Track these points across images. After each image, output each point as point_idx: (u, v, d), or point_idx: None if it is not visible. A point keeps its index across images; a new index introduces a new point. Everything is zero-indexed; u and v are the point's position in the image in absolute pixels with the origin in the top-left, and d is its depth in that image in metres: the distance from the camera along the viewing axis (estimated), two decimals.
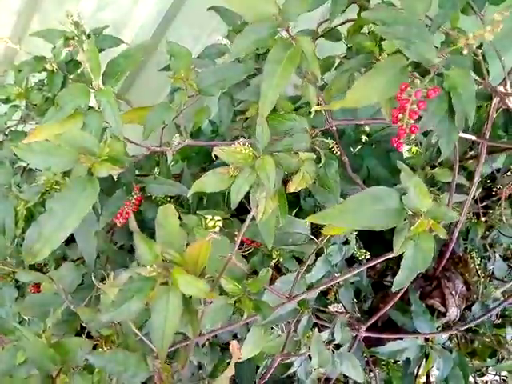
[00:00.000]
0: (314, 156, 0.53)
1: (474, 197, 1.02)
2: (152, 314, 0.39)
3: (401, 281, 0.47)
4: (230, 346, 0.48)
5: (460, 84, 0.44)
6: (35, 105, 0.85)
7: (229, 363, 0.71)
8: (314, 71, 0.50)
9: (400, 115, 0.43)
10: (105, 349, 0.50)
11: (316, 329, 0.57)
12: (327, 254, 0.61)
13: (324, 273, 0.62)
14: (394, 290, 0.48)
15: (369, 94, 0.44)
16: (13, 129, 0.88)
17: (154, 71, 1.03)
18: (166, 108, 0.62)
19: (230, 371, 0.48)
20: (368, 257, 0.67)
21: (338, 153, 0.59)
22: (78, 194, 0.49)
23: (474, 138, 0.56)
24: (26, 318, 0.61)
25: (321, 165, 0.55)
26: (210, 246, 0.41)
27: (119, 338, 0.50)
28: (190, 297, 0.42)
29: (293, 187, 0.52)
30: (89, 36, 0.97)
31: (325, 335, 0.58)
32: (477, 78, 0.51)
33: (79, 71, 0.93)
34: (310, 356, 0.57)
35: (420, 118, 0.45)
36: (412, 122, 0.43)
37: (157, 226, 0.45)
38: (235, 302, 0.48)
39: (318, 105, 0.55)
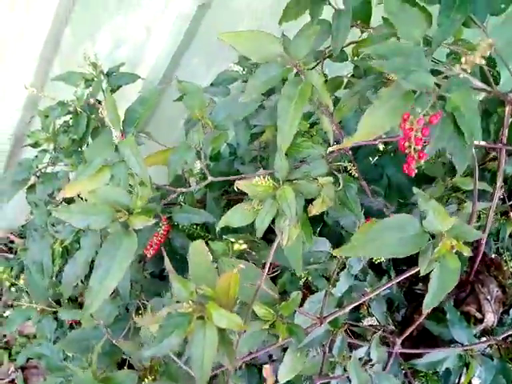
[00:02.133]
0: (332, 180, 0.55)
1: (501, 196, 1.00)
2: (191, 347, 0.42)
3: (430, 302, 0.47)
4: (263, 371, 0.49)
5: (462, 104, 0.45)
6: (62, 147, 0.90)
7: None
8: (326, 103, 0.52)
9: (406, 143, 0.45)
10: (150, 378, 0.52)
11: (354, 352, 0.58)
12: (349, 267, 0.62)
13: (348, 285, 0.63)
14: (424, 311, 0.48)
15: (378, 125, 0.46)
16: (43, 171, 0.92)
17: (170, 101, 1.07)
18: (186, 148, 0.65)
19: None
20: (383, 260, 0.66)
21: (356, 174, 0.60)
22: (117, 248, 0.53)
23: (489, 145, 0.56)
24: (69, 354, 0.64)
25: (340, 188, 0.57)
26: (238, 277, 0.43)
27: (161, 367, 0.52)
28: (224, 330, 0.43)
29: (314, 211, 0.53)
30: (107, 75, 1.02)
31: (360, 353, 0.59)
32: (485, 86, 0.52)
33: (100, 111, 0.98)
34: (347, 377, 0.58)
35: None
36: (419, 148, 0.45)
37: (190, 262, 0.47)
38: (269, 326, 0.50)
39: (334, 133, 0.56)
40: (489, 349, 0.82)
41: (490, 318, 0.85)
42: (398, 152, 1.11)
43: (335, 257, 0.63)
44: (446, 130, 0.46)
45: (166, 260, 0.44)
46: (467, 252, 0.46)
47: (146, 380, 0.50)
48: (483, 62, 0.42)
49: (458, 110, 0.45)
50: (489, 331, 0.84)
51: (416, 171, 1.14)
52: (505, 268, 0.93)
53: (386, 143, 1.16)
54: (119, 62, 1.05)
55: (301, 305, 0.57)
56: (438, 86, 0.44)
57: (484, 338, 0.85)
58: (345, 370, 0.58)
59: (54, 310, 0.67)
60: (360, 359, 0.58)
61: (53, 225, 0.82)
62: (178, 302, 0.43)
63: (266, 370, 0.48)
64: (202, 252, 0.47)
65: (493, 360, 0.77)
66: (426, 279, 1.08)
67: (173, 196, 0.68)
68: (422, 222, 0.46)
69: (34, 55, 1.16)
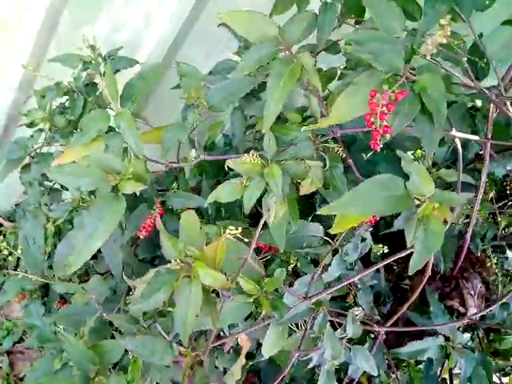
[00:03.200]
0: (320, 163, 0.57)
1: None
2: (176, 303, 0.44)
3: (416, 263, 0.49)
4: (239, 340, 0.51)
5: (429, 85, 0.46)
6: (58, 128, 0.90)
7: (258, 372, 0.73)
8: (314, 84, 0.54)
9: (372, 119, 0.46)
10: None
11: (328, 323, 0.60)
12: (343, 253, 0.63)
13: (340, 272, 0.64)
14: (410, 273, 0.50)
15: (349, 111, 0.48)
16: (38, 151, 0.92)
17: (168, 89, 1.07)
18: (180, 127, 0.65)
19: (242, 361, 0.52)
20: (386, 250, 0.68)
21: (343, 155, 0.62)
22: (106, 210, 0.53)
23: (476, 137, 0.58)
24: (59, 328, 0.64)
25: (326, 168, 0.59)
26: (225, 244, 0.45)
27: None
28: (209, 291, 0.46)
29: (304, 191, 0.55)
30: (105, 59, 1.02)
31: (339, 331, 0.61)
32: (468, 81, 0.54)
33: (97, 93, 0.98)
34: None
35: None
36: (384, 123, 0.46)
37: (180, 228, 0.49)
38: (254, 301, 0.52)
39: (321, 115, 0.58)
40: (471, 342, 0.85)
41: (473, 313, 0.87)
42: (392, 150, 1.13)
43: (328, 242, 0.64)
44: (413, 109, 0.47)
45: (158, 219, 0.45)
46: (450, 217, 0.48)
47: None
48: (444, 41, 0.43)
49: (425, 91, 0.47)
50: (470, 325, 0.87)
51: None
52: (489, 265, 0.96)
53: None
54: (118, 46, 1.05)
55: (290, 286, 0.59)
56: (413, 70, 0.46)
57: (466, 333, 0.88)
58: None
59: (48, 282, 0.68)
60: (338, 337, 0.60)
61: (46, 204, 0.82)
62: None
63: (242, 338, 0.50)
64: (192, 219, 0.50)
65: (474, 352, 0.79)
66: (411, 276, 1.10)
67: (165, 170, 0.69)
68: (405, 184, 0.47)
69: (31, 36, 1.16)
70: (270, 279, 0.52)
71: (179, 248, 0.45)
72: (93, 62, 0.96)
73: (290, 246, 0.58)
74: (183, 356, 0.48)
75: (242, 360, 0.51)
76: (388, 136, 0.48)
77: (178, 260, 0.44)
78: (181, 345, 0.49)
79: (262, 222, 0.53)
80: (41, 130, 0.89)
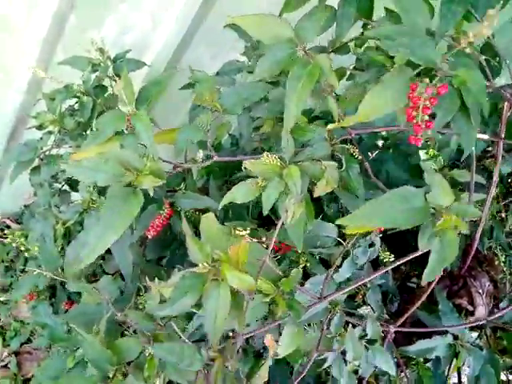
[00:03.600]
0: (336, 163, 0.57)
1: (496, 196, 1.03)
2: (205, 307, 0.44)
3: (430, 273, 0.49)
4: (265, 341, 0.51)
5: (468, 79, 0.46)
6: (67, 130, 0.91)
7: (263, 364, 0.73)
8: (332, 83, 0.54)
9: (414, 113, 0.46)
10: None
11: (350, 325, 0.60)
12: (353, 256, 0.63)
13: (350, 273, 0.65)
14: (423, 283, 0.50)
15: (378, 108, 0.47)
16: (47, 153, 0.93)
17: (175, 89, 1.07)
18: (194, 129, 0.66)
19: (265, 370, 0.52)
20: (392, 259, 0.69)
21: (359, 157, 0.62)
22: (123, 204, 0.53)
23: (489, 137, 0.58)
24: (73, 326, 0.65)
25: (343, 169, 0.59)
26: (247, 247, 0.44)
27: (164, 340, 0.54)
28: (236, 293, 0.46)
29: (318, 192, 0.55)
30: (114, 61, 1.03)
31: (357, 331, 0.61)
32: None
33: (106, 95, 0.99)
34: (342, 352, 0.60)
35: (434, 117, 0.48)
36: (426, 117, 0.46)
37: (202, 231, 0.49)
38: (270, 300, 0.52)
39: (338, 117, 0.58)
40: (478, 340, 0.85)
41: (481, 311, 0.87)
42: (398, 148, 1.13)
43: (341, 244, 0.64)
44: (454, 103, 0.47)
45: (184, 222, 0.45)
46: (465, 229, 0.48)
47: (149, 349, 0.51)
48: (490, 33, 0.43)
49: (465, 85, 0.46)
50: (479, 324, 0.87)
51: (413, 165, 1.14)
52: (496, 263, 0.96)
53: (385, 139, 1.18)
54: (125, 48, 1.06)
55: (301, 285, 0.59)
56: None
57: (473, 331, 0.88)
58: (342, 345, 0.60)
59: (62, 280, 0.69)
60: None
61: (56, 206, 0.83)
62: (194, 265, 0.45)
63: (269, 339, 0.50)
64: (212, 221, 0.49)
65: (482, 350, 0.80)
66: (419, 274, 1.10)
67: (177, 171, 0.69)
68: (425, 196, 0.47)
69: (38, 39, 1.17)
70: (287, 279, 0.52)
71: (206, 251, 0.45)
72: (101, 64, 0.97)
73: (304, 245, 0.58)
74: (212, 360, 0.48)
75: (268, 362, 0.51)
76: (429, 131, 0.47)
77: (205, 263, 0.43)
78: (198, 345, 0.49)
79: (280, 223, 0.53)
80: (50, 133, 0.90)
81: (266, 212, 0.55)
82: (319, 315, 0.58)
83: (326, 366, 0.61)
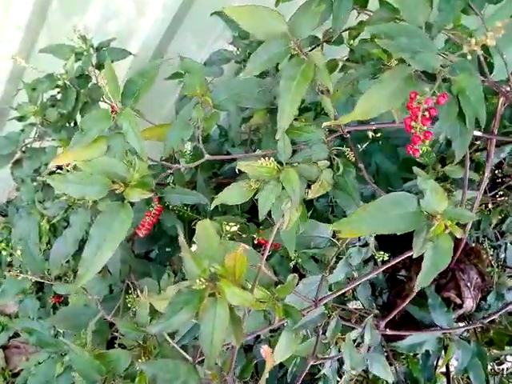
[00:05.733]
0: (328, 163, 0.55)
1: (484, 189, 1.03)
2: (201, 325, 0.42)
3: (423, 280, 0.49)
4: (262, 352, 0.50)
5: (467, 87, 0.45)
6: (50, 121, 0.88)
7: (255, 364, 0.73)
8: (326, 84, 0.52)
9: (413, 123, 0.45)
10: (143, 359, 0.52)
11: (349, 333, 0.59)
12: (347, 257, 0.63)
13: (345, 274, 0.64)
14: (416, 289, 0.50)
15: (377, 106, 0.46)
16: (29, 146, 0.90)
17: (160, 79, 1.05)
18: (184, 126, 0.63)
19: (265, 376, 0.51)
20: (387, 258, 0.68)
21: (354, 159, 0.61)
22: (113, 220, 0.52)
23: (482, 134, 0.57)
24: (60, 331, 0.64)
25: (339, 173, 0.57)
26: (245, 258, 0.43)
27: (155, 348, 0.53)
28: (233, 307, 0.44)
29: (312, 195, 0.54)
30: (97, 49, 0.99)
31: (353, 335, 0.60)
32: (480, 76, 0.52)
33: (90, 86, 0.95)
34: (338, 358, 0.59)
35: (432, 122, 0.47)
36: (425, 128, 0.45)
37: (198, 240, 0.47)
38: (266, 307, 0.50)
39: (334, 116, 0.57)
40: (466, 332, 0.86)
41: (469, 304, 0.88)
42: (388, 140, 1.12)
43: (335, 244, 0.64)
44: (452, 112, 0.46)
45: (180, 232, 0.43)
46: (459, 234, 0.48)
47: (140, 359, 0.50)
48: (494, 43, 0.42)
49: (464, 93, 0.45)
50: (467, 316, 0.88)
51: (403, 158, 1.14)
52: (484, 257, 0.96)
53: (375, 131, 1.17)
54: (109, 36, 1.02)
55: None
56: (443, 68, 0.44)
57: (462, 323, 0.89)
58: (339, 351, 0.60)
59: (49, 282, 0.67)
60: (353, 341, 0.60)
61: (40, 201, 0.80)
62: (185, 279, 0.43)
63: (265, 350, 0.49)
64: (209, 230, 0.47)
65: (470, 343, 0.80)
66: (408, 266, 1.10)
67: (166, 173, 0.67)
68: (419, 201, 0.47)
69: (20, 26, 1.12)
70: (282, 286, 0.50)
71: (204, 267, 0.42)
72: (85, 53, 0.93)
73: (297, 246, 0.57)
74: (209, 379, 0.46)
75: (266, 375, 0.49)
76: (427, 142, 0.46)
77: (202, 279, 0.41)
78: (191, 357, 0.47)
79: (275, 228, 0.51)
80: (32, 125, 0.87)
81: (262, 217, 0.53)
82: (316, 320, 0.57)
83: (322, 372, 0.61)
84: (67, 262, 0.89)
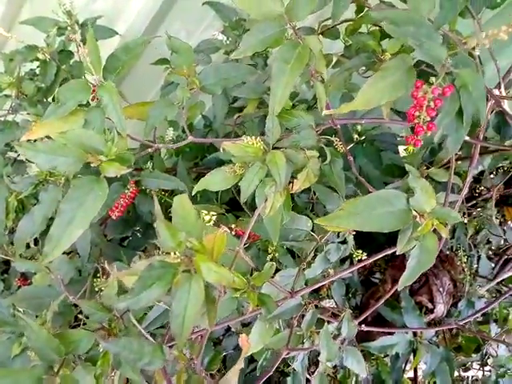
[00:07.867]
0: (318, 153, 0.54)
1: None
2: (173, 301, 0.39)
3: (407, 279, 0.48)
4: (240, 340, 0.48)
5: (470, 82, 0.45)
6: (26, 95, 0.84)
7: (224, 356, 0.71)
8: (320, 70, 0.51)
9: (417, 113, 0.44)
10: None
11: (326, 324, 0.58)
12: (326, 252, 0.62)
13: (322, 270, 0.63)
14: (399, 288, 0.49)
15: (378, 96, 0.45)
16: (2, 119, 0.86)
17: (147, 65, 1.02)
18: (168, 104, 0.61)
19: (240, 365, 0.49)
20: (365, 257, 0.68)
21: (342, 150, 0.60)
22: (86, 195, 0.48)
23: (468, 139, 0.57)
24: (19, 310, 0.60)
25: (326, 162, 0.56)
26: (225, 237, 0.41)
27: (121, 331, 0.50)
28: (208, 287, 0.42)
29: (297, 187, 0.52)
30: (82, 26, 0.96)
31: (330, 329, 0.59)
32: None
33: (71, 62, 0.92)
34: (311, 351, 0.58)
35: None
36: (429, 119, 0.44)
37: (174, 215, 0.44)
38: (240, 295, 0.49)
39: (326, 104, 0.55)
40: (435, 337, 0.86)
41: (440, 309, 0.89)
42: (372, 144, 1.12)
43: (314, 238, 0.62)
44: (454, 107, 0.45)
45: (156, 204, 0.41)
46: (445, 233, 0.47)
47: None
48: (476, 53, 0.42)
49: (467, 88, 0.45)
50: (438, 321, 0.88)
51: (386, 163, 1.14)
52: (457, 264, 0.98)
53: (359, 134, 1.17)
54: (94, 15, 0.99)
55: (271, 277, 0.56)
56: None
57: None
58: (313, 343, 0.59)
59: (8, 259, 0.63)
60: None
61: (9, 176, 0.76)
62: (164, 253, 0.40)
63: (243, 338, 0.47)
64: (187, 205, 0.45)
65: (439, 348, 0.81)
66: (383, 269, 1.10)
67: (146, 152, 0.65)
68: (408, 200, 0.46)
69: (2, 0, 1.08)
70: (259, 274, 0.48)
71: (180, 239, 0.39)
72: (69, 28, 0.90)
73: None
74: (175, 360, 0.43)
75: (240, 364, 0.47)
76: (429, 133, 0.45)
77: (177, 253, 0.38)
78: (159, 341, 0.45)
79: (256, 213, 0.49)
80: (6, 96, 0.83)
81: (243, 200, 0.51)
82: (291, 311, 0.56)
83: (294, 365, 0.60)
84: (36, 244, 0.85)
